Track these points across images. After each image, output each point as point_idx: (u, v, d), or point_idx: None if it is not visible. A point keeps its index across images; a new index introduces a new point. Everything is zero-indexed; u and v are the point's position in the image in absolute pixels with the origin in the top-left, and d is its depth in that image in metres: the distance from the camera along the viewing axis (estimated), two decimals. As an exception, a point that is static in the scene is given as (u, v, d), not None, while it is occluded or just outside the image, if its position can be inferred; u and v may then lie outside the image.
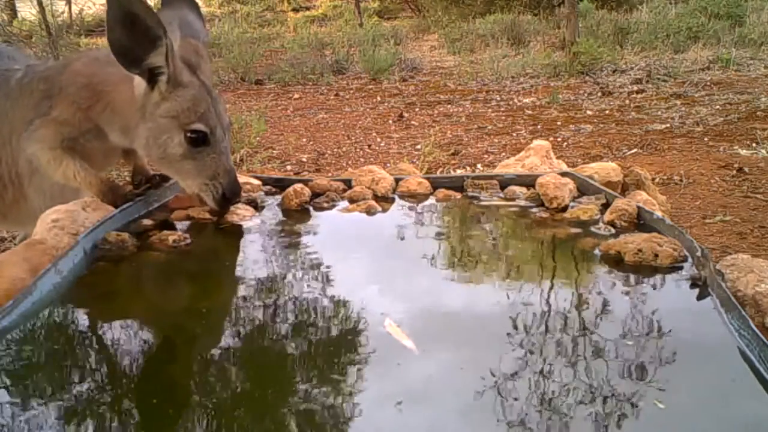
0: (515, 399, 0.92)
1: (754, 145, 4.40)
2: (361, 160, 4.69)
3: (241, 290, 1.29)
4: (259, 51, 8.80)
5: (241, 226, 1.58)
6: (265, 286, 1.29)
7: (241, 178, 1.74)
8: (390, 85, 7.51)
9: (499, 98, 6.48)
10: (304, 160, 4.75)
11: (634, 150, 4.53)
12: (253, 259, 1.41)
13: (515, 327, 1.10)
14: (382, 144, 5.11)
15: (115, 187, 1.66)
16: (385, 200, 1.71)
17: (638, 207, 1.52)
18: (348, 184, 1.77)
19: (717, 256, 2.37)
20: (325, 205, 1.67)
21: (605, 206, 1.58)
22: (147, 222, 1.54)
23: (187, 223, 1.60)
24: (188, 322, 1.20)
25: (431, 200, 1.72)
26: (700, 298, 1.18)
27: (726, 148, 4.39)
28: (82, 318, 1.20)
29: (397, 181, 1.78)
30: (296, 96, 7.10)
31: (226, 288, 1.35)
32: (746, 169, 3.87)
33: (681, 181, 3.77)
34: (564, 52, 7.89)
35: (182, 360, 1.09)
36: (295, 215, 1.64)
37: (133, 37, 1.43)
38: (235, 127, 4.63)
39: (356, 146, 5.07)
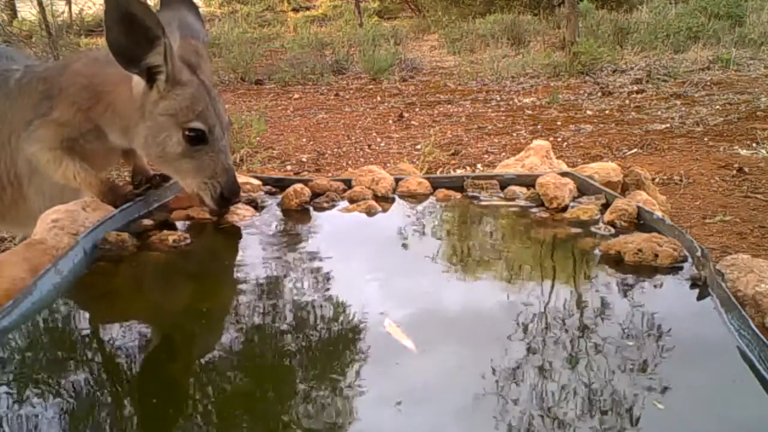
0: (515, 399, 0.92)
1: (754, 145, 4.40)
2: (361, 160, 4.69)
3: (241, 290, 1.29)
4: (259, 51, 8.79)
5: (241, 226, 1.58)
6: (265, 286, 1.29)
7: (241, 178, 1.75)
8: (390, 85, 7.51)
9: (499, 98, 6.48)
10: (304, 160, 4.75)
11: (634, 150, 4.53)
12: (253, 259, 1.41)
13: (515, 327, 1.10)
14: (382, 144, 5.11)
15: (115, 187, 1.66)
16: (385, 200, 1.70)
17: (638, 207, 1.52)
18: (348, 184, 1.77)
19: (717, 256, 2.37)
20: (325, 205, 1.67)
21: (605, 206, 1.58)
22: (147, 222, 1.54)
23: (187, 223, 1.60)
24: (188, 322, 1.20)
25: (431, 200, 1.72)
26: (700, 298, 1.18)
27: (726, 148, 4.39)
28: (82, 318, 1.20)
29: (397, 181, 1.78)
30: (296, 96, 7.10)
31: (226, 288, 1.35)
32: (746, 169, 3.87)
33: (681, 181, 3.77)
34: (564, 52, 7.88)
35: (182, 360, 1.09)
36: (295, 215, 1.64)
37: (131, 36, 1.43)
38: (235, 127, 4.63)
39: (356, 146, 5.07)
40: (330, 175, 3.46)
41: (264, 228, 1.57)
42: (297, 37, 10.14)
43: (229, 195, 1.56)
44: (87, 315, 1.21)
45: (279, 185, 1.79)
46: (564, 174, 1.73)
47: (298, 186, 1.69)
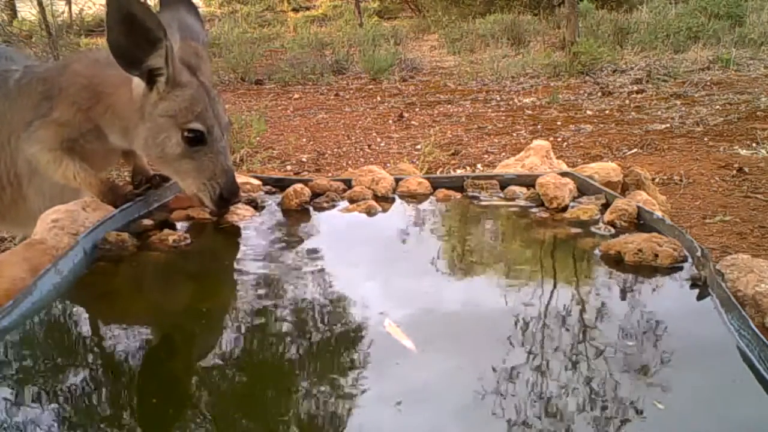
0: (515, 399, 0.92)
1: (754, 145, 4.40)
2: (361, 160, 4.69)
3: (241, 290, 1.29)
4: (259, 51, 8.79)
5: (241, 226, 1.58)
6: (265, 286, 1.29)
7: (241, 178, 1.75)
8: (390, 85, 7.51)
9: (499, 98, 6.48)
10: (304, 160, 4.75)
11: (634, 150, 4.52)
12: (253, 259, 1.41)
13: (515, 327, 1.10)
14: (382, 144, 5.11)
15: (115, 188, 1.66)
16: (385, 200, 1.70)
17: (638, 207, 1.52)
18: (348, 184, 1.77)
19: (717, 256, 2.37)
20: (325, 205, 1.67)
21: (605, 206, 1.58)
22: (147, 222, 1.54)
23: (187, 223, 1.60)
24: (188, 322, 1.20)
25: (431, 200, 1.72)
26: (700, 298, 1.18)
27: (726, 148, 4.39)
28: (82, 318, 1.20)
29: (397, 181, 1.78)
30: (296, 96, 7.10)
31: (226, 288, 1.35)
32: (746, 169, 3.87)
33: (681, 181, 3.77)
34: (564, 52, 7.88)
35: (182, 360, 1.09)
36: (295, 215, 1.64)
37: (132, 39, 1.43)
38: (235, 127, 4.63)
39: (356, 146, 5.07)
40: (330, 175, 3.46)
41: (264, 228, 1.57)
42: (297, 37, 10.14)
43: (228, 196, 1.56)
44: (87, 315, 1.21)
45: (279, 185, 1.79)
46: (564, 174, 1.73)
47: (298, 186, 1.69)
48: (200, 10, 1.86)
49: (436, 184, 1.78)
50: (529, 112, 5.88)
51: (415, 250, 1.45)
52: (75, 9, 10.46)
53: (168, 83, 1.51)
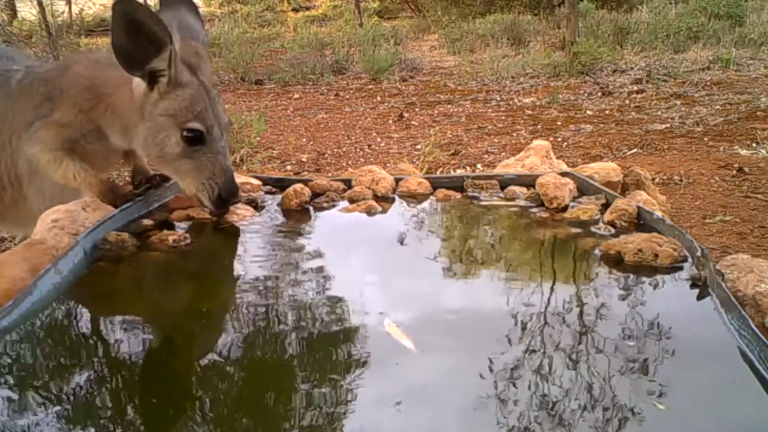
0: (514, 399, 0.92)
1: (754, 145, 4.40)
2: (361, 160, 4.69)
3: (241, 290, 1.29)
4: (259, 51, 8.79)
5: (240, 226, 1.58)
6: (265, 286, 1.29)
7: (241, 178, 1.75)
8: (390, 85, 7.51)
9: (499, 98, 6.48)
10: (304, 160, 4.75)
11: (634, 150, 4.52)
12: (253, 259, 1.41)
13: (515, 327, 1.10)
14: (382, 144, 5.11)
15: (115, 188, 1.66)
16: (385, 200, 1.70)
17: (638, 207, 1.52)
18: (348, 184, 1.77)
19: (717, 256, 2.37)
20: (325, 205, 1.67)
21: (605, 206, 1.58)
22: (147, 222, 1.54)
23: (187, 223, 1.60)
24: (188, 322, 1.20)
25: (431, 200, 1.72)
26: (700, 298, 1.18)
27: (726, 148, 4.39)
28: (82, 318, 1.20)
29: (397, 181, 1.78)
30: (296, 96, 7.10)
31: (226, 288, 1.35)
32: (746, 169, 3.87)
33: (681, 181, 3.77)
34: (564, 52, 7.88)
35: (182, 360, 1.09)
36: (295, 215, 1.64)
37: (137, 43, 1.43)
38: (235, 127, 4.63)
39: (356, 146, 5.07)
40: (330, 175, 3.46)
41: (264, 228, 1.57)
42: (297, 37, 10.14)
43: (226, 196, 1.56)
44: (87, 315, 1.21)
45: (279, 185, 1.79)
46: (564, 174, 1.73)
47: (298, 186, 1.69)
48: (200, 10, 1.86)
49: (436, 184, 1.78)
50: (529, 112, 5.88)
51: (415, 250, 1.45)
52: (75, 9, 10.46)
53: (169, 83, 1.51)
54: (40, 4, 6.88)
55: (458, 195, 1.73)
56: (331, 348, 1.07)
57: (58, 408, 0.91)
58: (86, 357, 1.06)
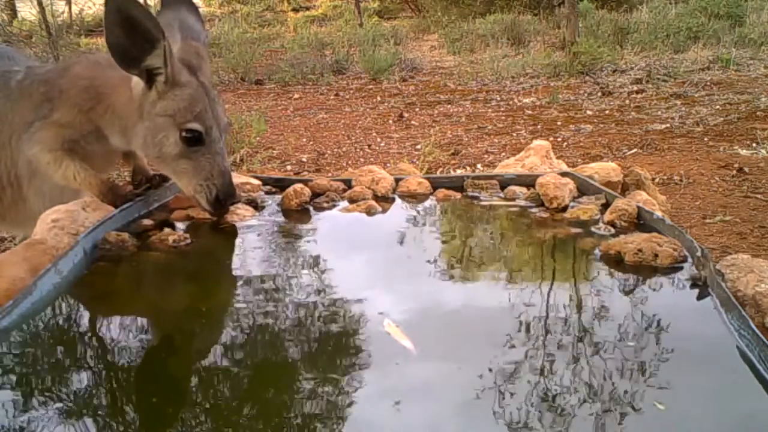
0: (514, 399, 0.92)
1: (754, 145, 4.40)
2: (361, 160, 4.69)
3: (241, 290, 1.29)
4: (259, 51, 8.79)
5: (241, 226, 1.58)
6: (265, 286, 1.29)
7: (241, 178, 1.75)
8: (390, 85, 7.51)
9: (499, 98, 6.48)
10: (304, 160, 4.75)
11: (634, 150, 4.53)
12: (253, 259, 1.41)
13: (514, 327, 1.10)
14: (382, 144, 5.11)
15: (115, 188, 1.66)
16: (385, 200, 1.70)
17: (638, 207, 1.52)
18: (348, 184, 1.77)
19: (717, 256, 2.37)
20: (325, 205, 1.67)
21: (605, 206, 1.58)
22: (147, 222, 1.54)
23: (187, 223, 1.60)
24: (188, 322, 1.20)
25: (431, 200, 1.72)
26: (700, 298, 1.18)
27: (726, 148, 4.39)
28: (82, 318, 1.20)
29: (397, 181, 1.78)
30: (296, 96, 7.10)
31: (225, 288, 1.35)
32: (746, 169, 3.87)
33: (681, 181, 3.77)
34: (564, 52, 7.88)
35: (182, 360, 1.09)
36: (295, 215, 1.64)
37: (131, 39, 1.43)
38: (235, 127, 4.63)
39: (356, 146, 5.07)
40: (330, 175, 3.46)
41: (264, 228, 1.57)
42: (297, 37, 10.14)
43: (224, 198, 1.56)
44: (87, 315, 1.21)
45: (279, 185, 1.79)
46: (564, 174, 1.73)
47: (298, 186, 1.69)
48: (200, 10, 1.86)
49: (436, 184, 1.78)
50: (529, 112, 5.88)
51: (415, 250, 1.45)
52: (75, 9, 10.47)
53: (167, 83, 1.51)
54: (40, 4, 6.88)
55: (458, 195, 1.73)
56: (330, 348, 1.07)
57: (58, 408, 0.91)
58: (86, 357, 1.06)
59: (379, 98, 6.78)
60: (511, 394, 0.93)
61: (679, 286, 1.23)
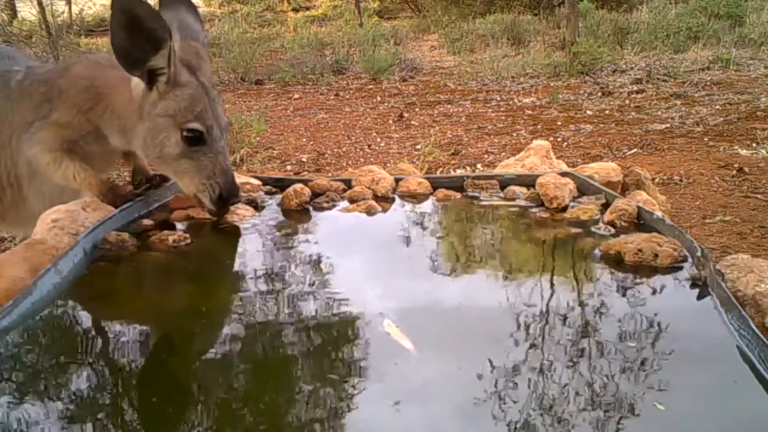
0: (514, 400, 0.92)
1: (754, 145, 4.40)
2: (361, 160, 4.69)
3: (241, 290, 1.29)
4: (259, 51, 8.78)
5: (240, 226, 1.58)
6: (265, 286, 1.29)
7: (241, 178, 1.75)
8: (390, 85, 7.51)
9: (499, 98, 6.48)
10: (304, 160, 4.75)
11: (634, 150, 4.53)
12: (253, 259, 1.41)
13: (514, 327, 1.10)
14: (382, 144, 5.11)
15: (115, 188, 1.66)
16: (385, 200, 1.71)
17: (638, 207, 1.52)
18: (348, 184, 1.77)
19: (717, 256, 2.37)
20: (325, 205, 1.67)
21: (605, 206, 1.58)
22: (147, 222, 1.54)
23: (187, 223, 1.60)
24: (188, 322, 1.20)
25: (431, 200, 1.72)
26: (700, 298, 1.18)
27: (726, 148, 4.39)
28: (82, 318, 1.20)
29: (397, 181, 1.78)
30: (296, 96, 7.10)
31: (225, 288, 1.35)
32: (746, 169, 3.87)
33: (681, 181, 3.77)
34: (564, 52, 7.88)
35: (182, 360, 1.09)
36: (295, 215, 1.64)
37: (136, 40, 1.43)
38: (235, 127, 4.63)
39: (356, 146, 5.07)
40: (330, 175, 3.46)
41: (264, 228, 1.57)
42: (297, 37, 10.14)
43: (227, 196, 1.56)
44: (87, 315, 1.21)
45: (279, 185, 1.79)
46: (564, 174, 1.73)
47: (298, 186, 1.69)
48: (200, 10, 1.86)
49: (436, 184, 1.78)
50: (529, 112, 5.88)
51: (415, 250, 1.45)
52: (75, 9, 10.46)
53: (168, 83, 1.51)
54: (40, 4, 6.88)
55: (458, 195, 1.73)
56: (330, 348, 1.07)
57: (58, 408, 0.91)
58: (86, 357, 1.06)
59: (379, 98, 6.78)
60: (511, 395, 0.93)
61: (679, 286, 1.23)
